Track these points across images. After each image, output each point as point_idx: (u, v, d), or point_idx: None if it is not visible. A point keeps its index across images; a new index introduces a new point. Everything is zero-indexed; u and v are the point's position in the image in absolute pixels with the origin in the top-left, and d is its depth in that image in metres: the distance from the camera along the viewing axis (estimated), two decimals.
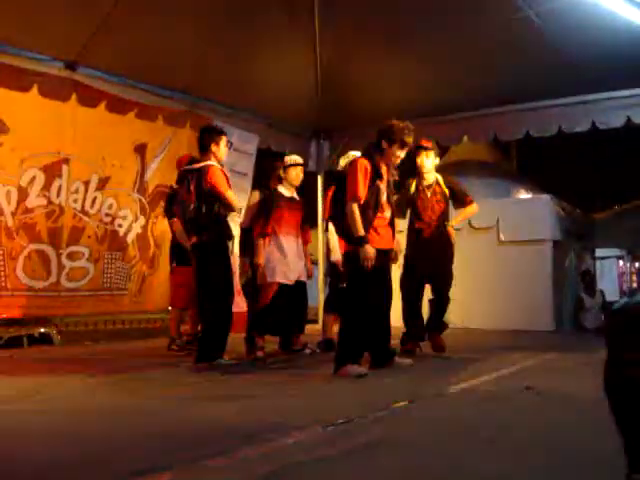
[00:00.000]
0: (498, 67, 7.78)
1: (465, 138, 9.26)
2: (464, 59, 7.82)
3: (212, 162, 5.50)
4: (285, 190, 6.21)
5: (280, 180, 6.26)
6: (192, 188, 5.44)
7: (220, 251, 5.53)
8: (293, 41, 8.06)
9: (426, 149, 6.19)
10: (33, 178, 6.95)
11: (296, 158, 6.42)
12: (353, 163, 5.05)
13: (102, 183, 7.58)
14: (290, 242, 6.08)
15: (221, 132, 5.70)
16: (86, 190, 7.43)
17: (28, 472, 2.51)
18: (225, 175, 5.53)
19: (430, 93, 8.46)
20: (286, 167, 6.26)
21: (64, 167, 7.19)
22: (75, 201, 7.34)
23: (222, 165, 5.62)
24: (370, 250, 4.78)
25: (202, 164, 5.50)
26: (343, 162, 6.26)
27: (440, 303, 6.19)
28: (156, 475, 2.41)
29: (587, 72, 7.37)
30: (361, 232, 4.81)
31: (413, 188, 6.21)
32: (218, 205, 5.43)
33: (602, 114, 8.07)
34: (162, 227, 8.06)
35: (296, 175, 6.28)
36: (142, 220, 8.04)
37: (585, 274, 10.29)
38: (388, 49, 8.05)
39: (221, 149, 5.59)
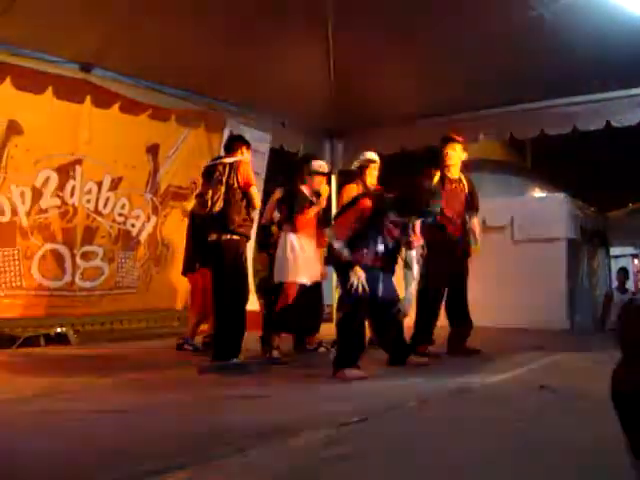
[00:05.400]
0: (513, 66, 7.70)
1: (480, 137, 9.21)
2: (479, 58, 7.75)
3: (242, 157, 5.64)
4: (308, 192, 6.20)
5: (303, 181, 6.24)
6: (222, 181, 5.48)
7: (238, 249, 5.54)
8: (307, 41, 8.03)
9: (454, 141, 6.07)
10: (47, 179, 7.00)
11: (324, 168, 6.38)
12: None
13: (115, 183, 7.62)
14: (310, 243, 6.08)
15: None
16: (99, 190, 7.47)
17: (44, 471, 2.53)
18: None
19: (445, 92, 8.41)
20: (312, 173, 6.23)
21: (77, 168, 7.23)
22: (88, 201, 7.38)
23: None
24: (359, 271, 4.77)
25: (233, 158, 5.59)
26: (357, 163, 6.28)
27: (460, 305, 6.13)
28: (172, 474, 2.42)
29: (602, 70, 7.32)
30: (348, 259, 4.80)
31: (437, 179, 5.96)
32: (246, 201, 5.50)
33: (617, 112, 8.00)
34: (171, 226, 8.09)
35: (319, 182, 6.25)
36: (154, 220, 8.07)
37: (620, 271, 10.78)
38: (403, 48, 8.01)
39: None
